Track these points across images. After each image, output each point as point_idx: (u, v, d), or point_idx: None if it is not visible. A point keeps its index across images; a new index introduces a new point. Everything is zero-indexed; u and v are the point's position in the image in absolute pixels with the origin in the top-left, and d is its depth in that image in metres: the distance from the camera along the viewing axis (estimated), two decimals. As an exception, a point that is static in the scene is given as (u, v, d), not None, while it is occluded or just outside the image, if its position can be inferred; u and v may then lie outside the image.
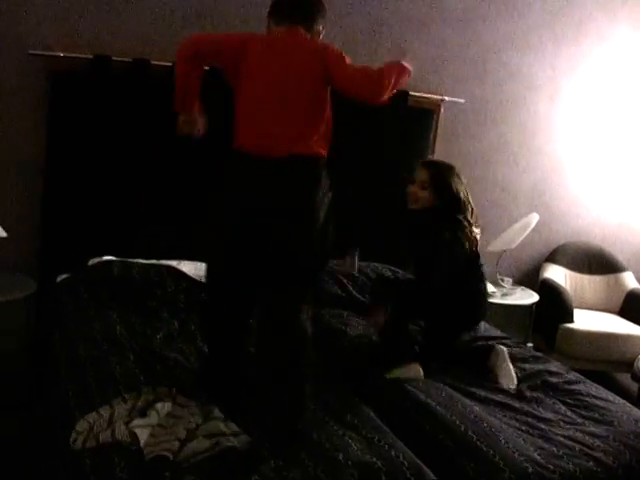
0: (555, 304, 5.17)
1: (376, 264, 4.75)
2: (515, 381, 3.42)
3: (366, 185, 4.73)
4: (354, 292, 4.44)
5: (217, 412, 2.68)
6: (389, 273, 4.66)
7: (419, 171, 3.61)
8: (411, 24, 4.90)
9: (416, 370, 3.35)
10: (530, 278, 5.63)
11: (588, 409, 3.19)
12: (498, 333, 4.18)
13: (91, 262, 4.17)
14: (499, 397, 3.23)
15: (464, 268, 3.53)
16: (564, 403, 3.24)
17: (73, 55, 4.12)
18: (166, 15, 4.36)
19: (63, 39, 4.16)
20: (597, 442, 2.85)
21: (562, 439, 2.85)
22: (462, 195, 3.52)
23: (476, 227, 3.56)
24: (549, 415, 3.09)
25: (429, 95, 4.94)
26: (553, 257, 5.64)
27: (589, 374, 3.82)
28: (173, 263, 4.27)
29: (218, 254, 2.91)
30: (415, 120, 4.91)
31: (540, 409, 3.15)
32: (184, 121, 3.07)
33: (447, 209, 3.50)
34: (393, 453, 2.57)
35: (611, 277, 5.61)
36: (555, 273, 5.51)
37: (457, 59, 5.09)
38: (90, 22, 4.23)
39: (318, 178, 2.78)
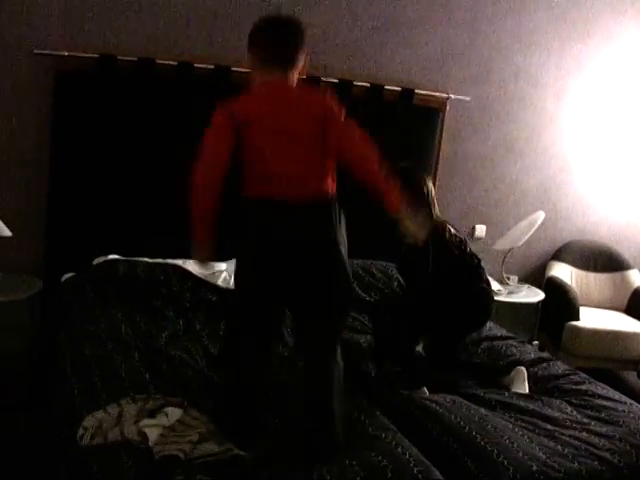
0: (561, 302, 5.16)
1: (382, 262, 4.75)
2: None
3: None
4: (360, 291, 4.44)
5: None
6: (395, 272, 4.66)
7: None
8: (417, 23, 4.89)
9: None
10: (536, 276, 5.63)
11: (594, 409, 3.18)
12: (503, 332, 4.18)
13: (96, 261, 4.17)
14: (504, 399, 3.22)
15: (458, 268, 3.54)
16: (570, 403, 3.23)
17: (78, 54, 4.13)
18: (171, 14, 4.36)
19: (69, 38, 4.17)
20: (603, 441, 2.84)
21: (567, 438, 2.85)
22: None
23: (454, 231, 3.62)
24: (555, 414, 3.08)
25: (435, 93, 4.94)
26: (559, 255, 5.62)
27: (595, 372, 3.82)
28: (179, 262, 4.26)
29: (249, 297, 2.83)
30: (421, 119, 4.90)
31: (546, 409, 3.14)
32: (198, 249, 2.96)
33: None
34: (400, 450, 2.57)
35: (617, 275, 5.59)
36: (561, 271, 5.50)
37: (463, 58, 5.08)
38: (95, 21, 4.23)
39: (338, 216, 2.76)
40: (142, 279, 4.04)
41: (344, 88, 4.63)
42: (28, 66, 4.15)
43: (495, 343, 3.97)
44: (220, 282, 4.19)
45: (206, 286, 4.12)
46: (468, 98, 5.08)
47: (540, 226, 5.14)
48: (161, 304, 3.93)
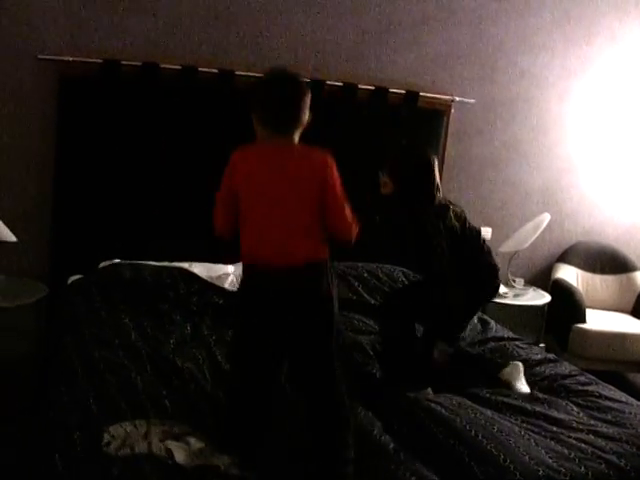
0: (567, 304, 5.15)
1: (387, 266, 4.74)
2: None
3: (376, 188, 4.72)
4: (365, 295, 4.43)
5: None
6: (400, 275, 4.65)
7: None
8: (421, 24, 4.89)
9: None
10: (542, 278, 5.61)
11: (601, 410, 3.16)
12: (510, 334, 4.17)
13: (102, 265, 4.18)
14: (510, 400, 3.20)
15: (461, 244, 3.52)
16: (577, 405, 3.21)
17: (82, 59, 4.13)
18: (175, 19, 4.36)
19: (73, 44, 4.18)
20: (610, 444, 2.82)
21: (574, 441, 2.83)
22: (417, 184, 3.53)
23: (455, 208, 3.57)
24: (561, 417, 3.06)
25: (439, 95, 4.93)
26: (565, 257, 5.61)
27: (602, 374, 3.80)
28: (185, 265, 4.27)
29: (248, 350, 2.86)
30: (425, 121, 4.90)
31: (552, 411, 3.12)
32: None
33: (406, 196, 3.53)
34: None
35: (623, 277, 5.58)
36: (567, 273, 5.49)
37: (467, 59, 5.07)
38: (99, 26, 4.24)
39: (331, 276, 2.79)
40: (148, 282, 4.04)
41: (348, 91, 4.63)
42: (32, 71, 4.17)
43: (502, 344, 3.96)
44: (227, 285, 4.19)
45: (213, 289, 4.12)
46: (473, 100, 5.08)
47: (545, 228, 5.13)
48: (168, 308, 3.91)
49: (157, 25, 4.34)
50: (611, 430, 2.96)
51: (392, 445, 2.74)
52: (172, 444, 2.51)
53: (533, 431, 2.90)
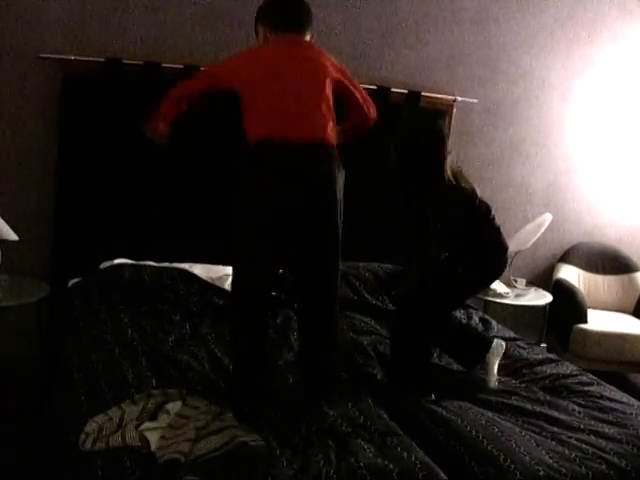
0: (569, 305, 5.14)
1: (388, 265, 4.74)
2: (494, 380, 3.42)
3: (377, 187, 4.73)
4: (366, 294, 4.43)
5: (227, 412, 2.69)
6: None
7: None
8: (424, 24, 4.89)
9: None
10: (543, 278, 5.61)
11: (602, 411, 3.16)
12: (511, 334, 4.16)
13: (103, 265, 4.18)
14: (511, 401, 3.20)
15: (472, 220, 3.47)
16: (578, 405, 3.21)
17: (84, 58, 4.14)
18: (177, 19, 4.36)
19: (75, 43, 4.18)
20: (610, 445, 2.82)
21: (575, 442, 2.83)
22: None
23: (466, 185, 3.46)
24: (562, 417, 3.06)
25: (441, 95, 4.93)
26: (566, 257, 5.61)
27: (603, 375, 3.80)
28: (185, 266, 4.27)
29: (254, 246, 2.96)
30: (428, 121, 4.88)
31: (553, 411, 3.12)
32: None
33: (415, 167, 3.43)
34: (405, 455, 2.57)
35: (625, 277, 5.57)
36: (569, 273, 5.48)
37: (470, 59, 5.07)
38: (101, 25, 4.24)
39: (339, 162, 2.95)
40: (148, 283, 4.04)
41: (350, 91, 4.63)
42: (34, 70, 4.17)
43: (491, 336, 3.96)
44: (227, 286, 4.17)
45: (213, 290, 4.12)
46: (475, 100, 5.07)
47: (547, 228, 5.13)
48: (167, 308, 3.92)
49: (159, 24, 4.34)
50: (612, 431, 2.96)
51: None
52: (147, 428, 2.53)
53: (534, 431, 2.90)
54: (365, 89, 4.64)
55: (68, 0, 4.16)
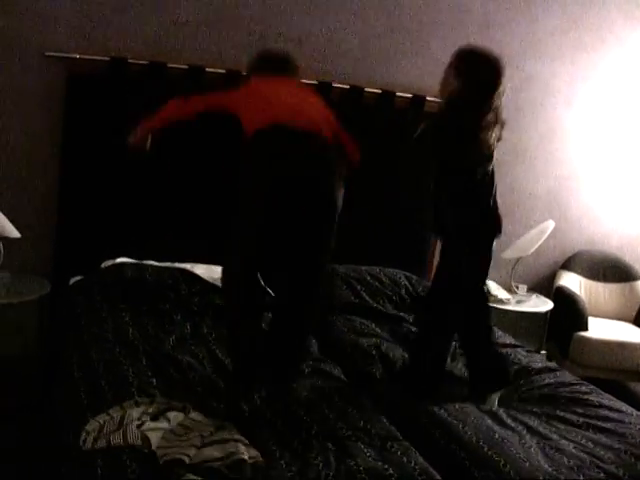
0: (569, 312, 5.13)
1: (390, 269, 4.74)
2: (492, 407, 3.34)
3: (382, 191, 4.73)
4: (367, 298, 4.43)
5: (229, 426, 2.69)
6: (403, 279, 4.65)
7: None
8: (429, 28, 4.89)
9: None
10: (545, 285, 5.60)
11: (601, 420, 3.17)
12: (512, 340, 4.16)
13: (104, 264, 4.18)
14: (511, 409, 3.21)
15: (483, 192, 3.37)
16: (576, 413, 3.22)
17: (90, 57, 4.14)
18: (182, 19, 4.36)
19: (80, 42, 4.18)
20: (608, 454, 2.83)
21: (574, 450, 2.84)
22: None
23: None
24: (561, 426, 3.07)
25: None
26: (568, 265, 5.60)
27: (602, 383, 3.80)
28: (187, 266, 4.27)
29: (253, 229, 3.03)
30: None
31: (553, 421, 3.13)
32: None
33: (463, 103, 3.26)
34: (405, 460, 2.57)
35: (626, 285, 5.57)
36: (570, 281, 5.48)
37: (474, 64, 5.06)
38: (107, 25, 4.24)
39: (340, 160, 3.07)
40: (150, 283, 4.04)
41: (355, 94, 4.63)
42: (40, 68, 4.17)
43: (503, 350, 3.95)
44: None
45: (215, 290, 4.11)
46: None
47: (549, 235, 5.13)
48: (169, 308, 3.92)
49: (165, 24, 4.34)
50: (610, 440, 2.98)
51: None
52: (149, 428, 2.53)
53: (534, 439, 2.91)
54: (370, 93, 4.70)
55: (74, -2, 4.18)
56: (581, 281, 5.54)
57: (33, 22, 4.13)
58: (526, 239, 5.11)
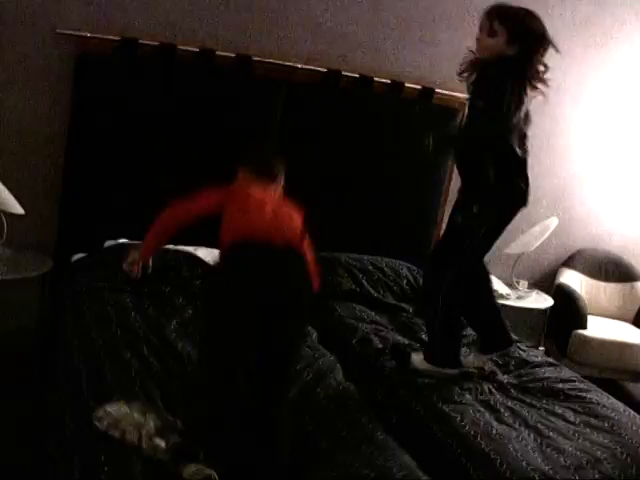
0: (569, 309, 5.14)
1: (393, 260, 4.74)
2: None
3: (387, 182, 4.73)
4: (368, 287, 4.44)
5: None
6: (405, 270, 4.65)
7: (482, 20, 3.39)
8: (439, 21, 4.87)
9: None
10: (546, 282, 5.61)
11: (598, 418, 3.18)
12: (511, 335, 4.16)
13: (107, 244, 4.18)
14: (509, 404, 3.22)
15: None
16: (574, 411, 3.23)
17: (100, 36, 4.12)
18: (194, 1, 4.35)
19: (91, 20, 4.16)
20: (605, 454, 2.85)
21: (570, 449, 2.85)
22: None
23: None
24: (559, 424, 3.08)
25: (454, 93, 4.91)
26: (570, 262, 5.61)
27: (600, 382, 3.81)
28: (190, 249, 4.26)
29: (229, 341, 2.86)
30: (439, 118, 4.88)
31: (550, 416, 3.14)
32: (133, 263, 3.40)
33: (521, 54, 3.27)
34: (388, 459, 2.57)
35: (627, 286, 5.57)
36: (571, 278, 5.49)
37: (484, 59, 5.04)
38: (119, 4, 4.22)
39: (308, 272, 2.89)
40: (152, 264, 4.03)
41: (364, 83, 4.63)
42: (50, 45, 4.14)
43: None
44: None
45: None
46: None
47: (552, 232, 5.13)
48: (170, 290, 3.91)
49: (177, 6, 4.32)
50: (607, 439, 2.99)
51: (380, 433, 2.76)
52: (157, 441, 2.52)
53: (531, 436, 2.92)
54: (379, 83, 4.69)
55: (86, -24, 4.16)
56: (582, 279, 5.55)
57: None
58: (529, 235, 5.11)
